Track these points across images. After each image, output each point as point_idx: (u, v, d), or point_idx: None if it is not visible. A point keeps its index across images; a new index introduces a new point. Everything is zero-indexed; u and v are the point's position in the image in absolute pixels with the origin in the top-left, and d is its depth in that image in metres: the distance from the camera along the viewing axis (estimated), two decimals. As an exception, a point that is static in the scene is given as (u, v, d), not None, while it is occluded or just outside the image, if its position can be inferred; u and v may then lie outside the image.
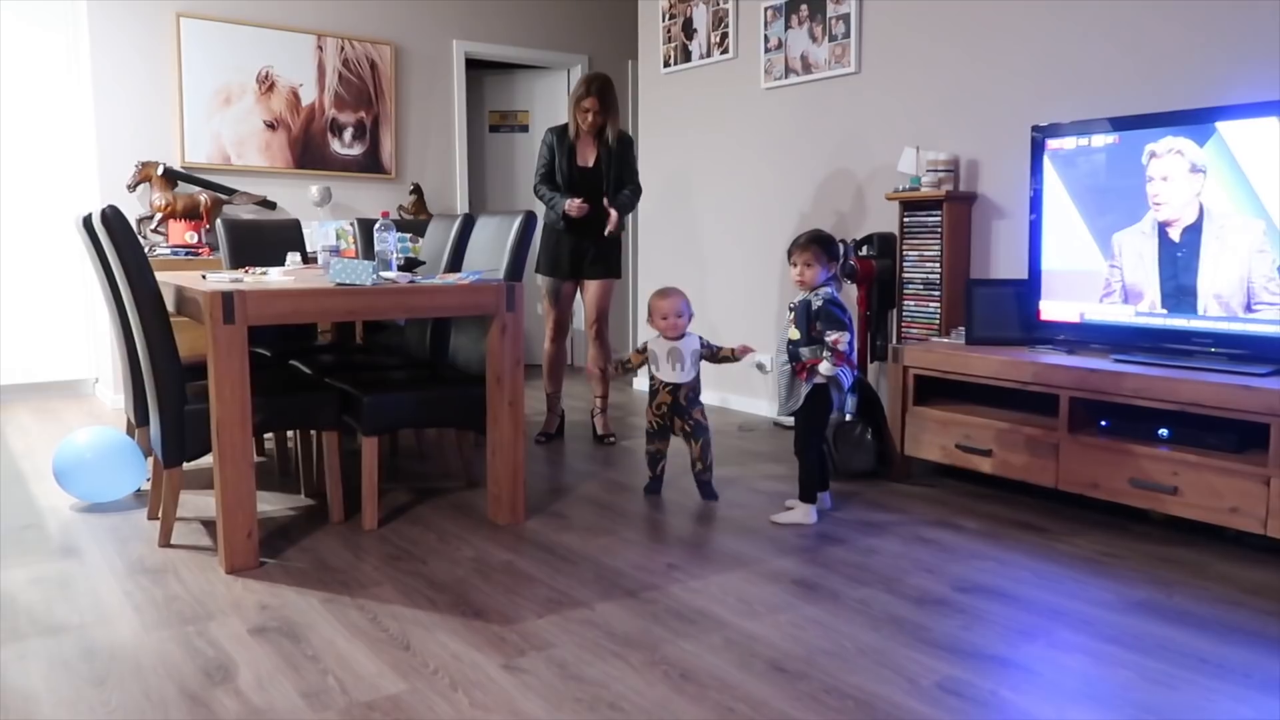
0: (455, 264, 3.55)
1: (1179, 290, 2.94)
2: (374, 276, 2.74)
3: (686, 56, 5.17)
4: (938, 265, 3.70)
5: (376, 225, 3.09)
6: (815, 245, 2.97)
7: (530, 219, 3.28)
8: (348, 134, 5.69)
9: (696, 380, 3.25)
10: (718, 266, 5.08)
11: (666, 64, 5.31)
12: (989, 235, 3.75)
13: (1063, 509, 3.12)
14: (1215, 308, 2.86)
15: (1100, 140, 3.10)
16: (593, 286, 4.17)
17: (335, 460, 2.97)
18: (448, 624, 2.22)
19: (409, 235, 4.39)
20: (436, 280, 2.94)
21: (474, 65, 6.31)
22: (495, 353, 2.94)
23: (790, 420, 3.12)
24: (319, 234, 4.76)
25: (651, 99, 5.48)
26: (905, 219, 3.81)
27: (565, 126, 4.13)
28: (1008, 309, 3.43)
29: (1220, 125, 2.81)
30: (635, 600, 2.38)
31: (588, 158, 4.11)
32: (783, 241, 3.29)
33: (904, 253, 3.83)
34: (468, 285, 2.88)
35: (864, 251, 3.95)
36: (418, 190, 5.78)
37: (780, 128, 4.64)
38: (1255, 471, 2.55)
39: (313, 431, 3.27)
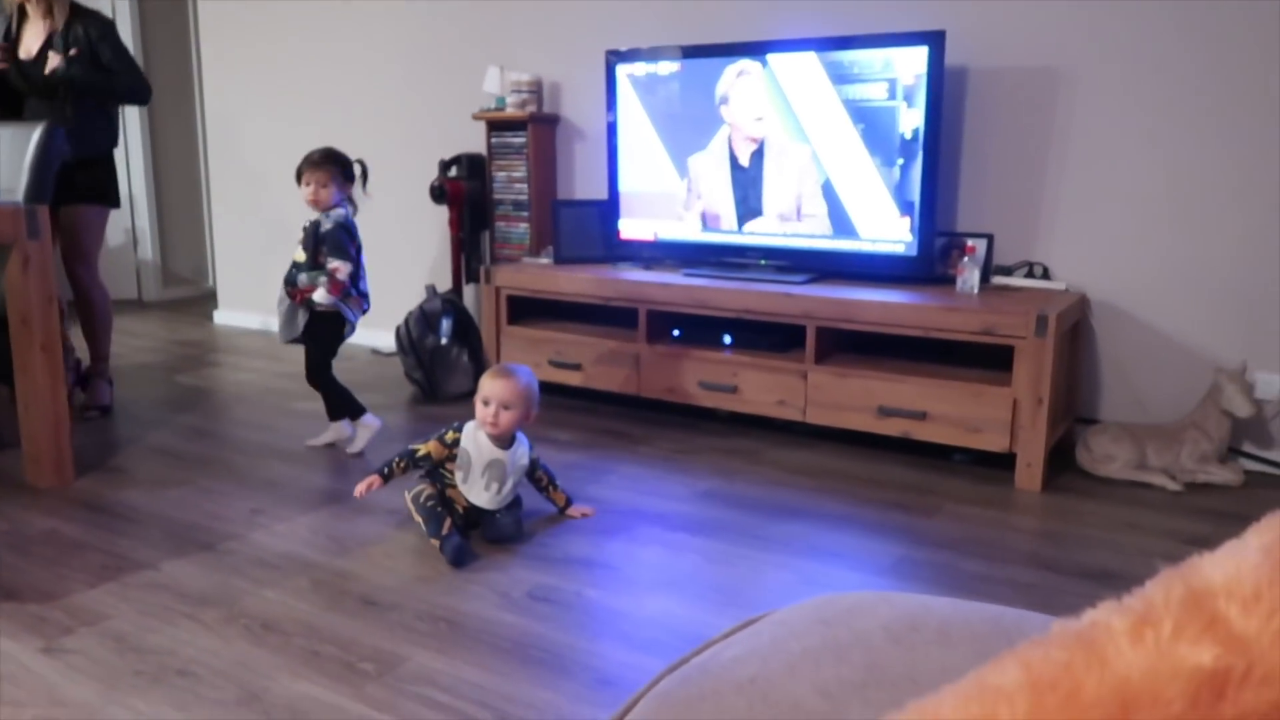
0: (-42, 183, 2.92)
1: (738, 209, 3.23)
2: None
3: (251, -47, 4.65)
4: (526, 186, 3.74)
5: None
6: (330, 164, 2.84)
7: (54, 130, 2.78)
8: None
9: (516, 500, 2.35)
10: (281, 191, 4.71)
11: (228, -40, 4.75)
12: (573, 156, 3.86)
13: (645, 414, 3.36)
14: (765, 225, 3.19)
15: (670, 67, 3.28)
16: (67, 215, 3.18)
17: None
18: (-32, 613, 1.87)
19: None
20: (-74, 202, 2.40)
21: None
22: (17, 290, 2.48)
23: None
24: None
25: (214, -1, 4.88)
26: (493, 140, 3.79)
27: (19, 4, 3.16)
28: (592, 229, 3.57)
29: (771, 58, 3.08)
30: (211, 554, 2.17)
31: (31, 47, 3.13)
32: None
33: (493, 174, 3.82)
34: (-29, 208, 2.39)
35: (453, 173, 3.88)
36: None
37: (360, 38, 4.37)
38: (796, 368, 2.92)
39: None
